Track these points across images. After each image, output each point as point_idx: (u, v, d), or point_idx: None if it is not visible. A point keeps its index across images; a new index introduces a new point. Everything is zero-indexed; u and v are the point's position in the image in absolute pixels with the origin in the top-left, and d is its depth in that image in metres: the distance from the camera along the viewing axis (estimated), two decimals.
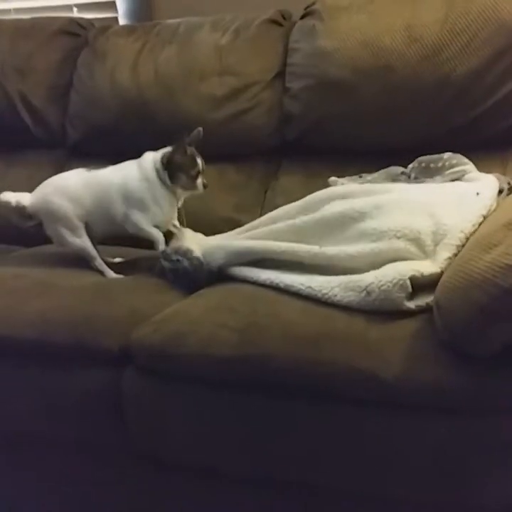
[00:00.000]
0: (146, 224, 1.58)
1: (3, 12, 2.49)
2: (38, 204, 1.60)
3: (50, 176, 1.68)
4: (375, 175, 1.61)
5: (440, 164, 1.55)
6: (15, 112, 2.08)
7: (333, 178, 1.65)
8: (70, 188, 1.60)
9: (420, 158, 1.59)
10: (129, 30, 2.07)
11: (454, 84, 1.64)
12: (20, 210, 1.61)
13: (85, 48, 2.07)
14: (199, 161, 1.57)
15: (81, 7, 2.41)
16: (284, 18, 1.94)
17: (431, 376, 1.03)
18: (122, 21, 2.32)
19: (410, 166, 1.59)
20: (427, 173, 1.56)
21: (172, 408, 1.24)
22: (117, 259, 1.68)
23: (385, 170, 1.62)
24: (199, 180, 1.58)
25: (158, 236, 1.58)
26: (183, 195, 1.62)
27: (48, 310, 1.37)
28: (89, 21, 2.19)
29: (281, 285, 1.31)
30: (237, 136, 1.89)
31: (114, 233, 1.65)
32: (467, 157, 1.66)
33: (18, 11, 2.47)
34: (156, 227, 1.59)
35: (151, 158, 1.59)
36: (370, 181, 1.58)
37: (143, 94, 1.93)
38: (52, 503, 1.48)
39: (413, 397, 1.05)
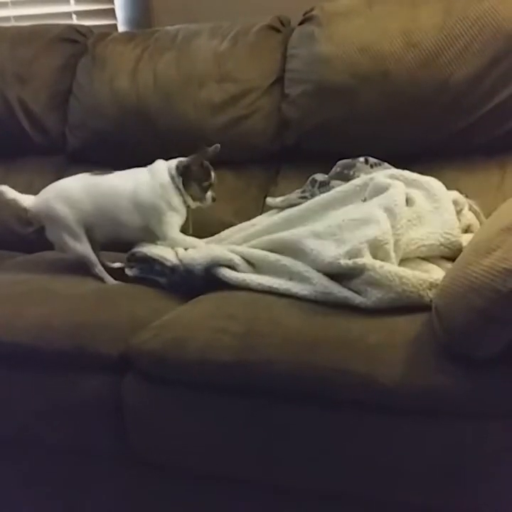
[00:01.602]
0: (171, 230, 1.59)
1: (3, 19, 2.49)
2: (39, 208, 1.60)
3: (50, 183, 1.68)
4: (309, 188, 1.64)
5: (351, 172, 1.58)
6: (14, 118, 2.08)
7: (269, 199, 1.69)
8: (72, 194, 1.60)
9: (339, 162, 1.62)
10: (128, 37, 2.08)
11: (452, 89, 1.65)
12: (21, 211, 1.61)
13: (85, 54, 2.08)
14: (213, 175, 1.61)
15: (80, 14, 2.42)
16: (283, 25, 1.95)
17: (430, 380, 1.04)
18: (121, 28, 2.33)
19: (332, 170, 1.63)
20: (342, 178, 1.59)
21: (172, 413, 1.24)
22: (117, 264, 1.68)
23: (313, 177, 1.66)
24: (209, 194, 1.61)
25: (190, 240, 1.60)
26: (192, 205, 1.63)
27: (48, 316, 1.37)
28: (89, 28, 2.19)
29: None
30: (236, 142, 1.89)
31: (118, 239, 1.65)
32: (466, 162, 1.68)
33: (18, 18, 2.48)
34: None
35: (165, 165, 1.61)
36: (307, 198, 1.61)
37: (142, 100, 1.93)
38: (51, 508, 1.48)
39: (412, 401, 1.05)
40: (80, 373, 1.31)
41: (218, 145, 1.60)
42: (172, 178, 1.58)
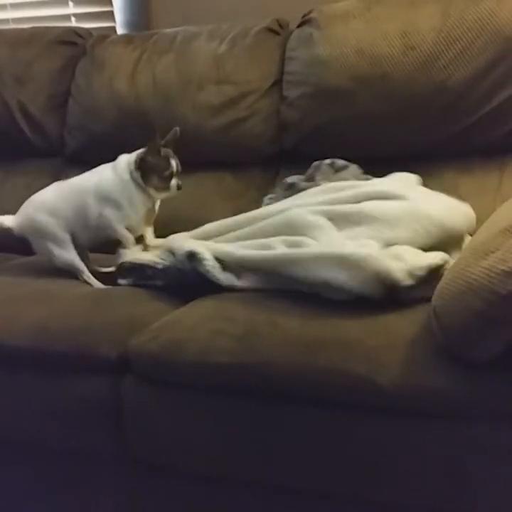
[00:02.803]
0: (118, 223, 1.58)
1: (2, 22, 2.50)
2: (22, 224, 1.62)
3: (48, 185, 1.69)
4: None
5: (317, 176, 1.62)
6: (13, 120, 2.08)
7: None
8: (50, 202, 1.62)
9: (313, 164, 1.66)
10: (127, 39, 2.08)
11: (450, 92, 1.65)
12: (5, 231, 1.63)
13: (83, 57, 2.08)
14: (173, 162, 1.57)
15: (79, 17, 2.42)
16: (281, 27, 1.95)
17: (429, 382, 1.04)
18: (120, 31, 2.33)
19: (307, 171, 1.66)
20: (309, 180, 1.63)
21: (171, 415, 1.24)
22: (109, 269, 1.68)
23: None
24: (173, 182, 1.58)
25: (128, 237, 1.59)
26: (157, 197, 1.62)
27: (47, 318, 1.37)
28: (88, 31, 2.20)
29: None
30: (235, 145, 1.90)
31: (98, 240, 1.66)
32: (464, 164, 1.69)
33: (16, 20, 2.48)
34: (129, 229, 1.60)
35: (125, 160, 1.60)
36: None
37: (141, 102, 1.93)
38: (51, 509, 1.48)
39: (411, 403, 1.05)
40: (79, 375, 1.31)
41: (177, 128, 1.59)
42: (131, 173, 1.57)
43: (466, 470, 1.05)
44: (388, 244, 1.32)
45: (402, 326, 1.15)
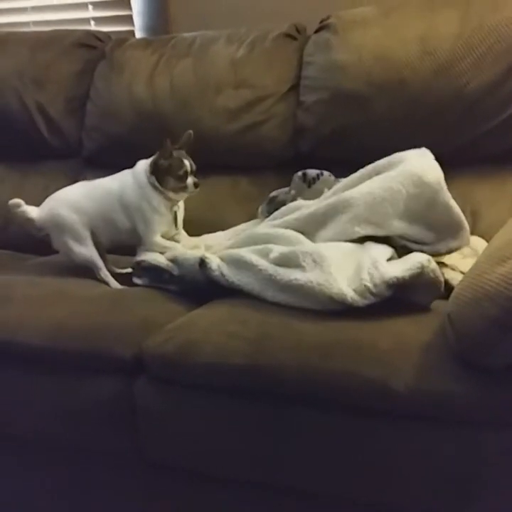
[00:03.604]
0: (153, 236, 1.60)
1: (23, 25, 2.53)
2: (45, 217, 1.64)
3: (66, 186, 1.71)
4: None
5: (291, 190, 1.63)
6: (32, 122, 2.10)
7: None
8: (73, 199, 1.64)
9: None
10: (145, 43, 2.09)
11: (468, 98, 1.65)
12: (29, 222, 1.64)
13: (102, 60, 2.10)
14: (186, 161, 1.59)
15: (99, 20, 2.44)
16: (299, 32, 1.96)
17: (442, 387, 1.03)
18: (139, 35, 2.35)
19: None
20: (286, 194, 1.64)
21: (184, 416, 1.25)
22: (125, 270, 1.70)
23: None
24: (189, 180, 1.60)
25: (174, 246, 1.61)
26: (177, 198, 1.63)
27: (62, 318, 1.38)
28: (107, 34, 2.21)
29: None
30: (251, 148, 1.90)
31: (121, 242, 1.68)
32: (480, 171, 1.68)
33: (37, 23, 2.51)
34: (166, 234, 1.63)
35: (142, 166, 1.63)
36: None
37: (159, 106, 1.95)
38: (62, 508, 1.49)
39: (424, 408, 1.05)
40: (94, 375, 1.32)
41: (191, 131, 1.61)
42: (148, 178, 1.60)
43: (478, 476, 1.05)
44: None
45: (416, 330, 1.15)
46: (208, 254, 1.42)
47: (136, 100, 1.97)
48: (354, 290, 1.20)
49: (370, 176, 1.44)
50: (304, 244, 1.40)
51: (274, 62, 1.90)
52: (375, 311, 1.20)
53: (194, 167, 1.60)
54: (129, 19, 2.37)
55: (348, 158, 1.74)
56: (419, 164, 1.39)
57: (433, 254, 1.31)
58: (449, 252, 1.39)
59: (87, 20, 2.45)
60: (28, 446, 1.46)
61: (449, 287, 1.28)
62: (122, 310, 1.41)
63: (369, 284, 1.19)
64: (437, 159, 1.64)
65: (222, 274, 1.37)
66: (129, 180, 1.62)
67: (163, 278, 1.51)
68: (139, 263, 1.56)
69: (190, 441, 1.25)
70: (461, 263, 1.38)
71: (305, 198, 1.61)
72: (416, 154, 1.43)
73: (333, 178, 1.63)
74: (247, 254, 1.38)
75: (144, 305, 1.43)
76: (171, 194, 1.61)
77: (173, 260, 1.50)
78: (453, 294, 1.10)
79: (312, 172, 1.63)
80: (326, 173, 1.63)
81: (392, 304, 1.21)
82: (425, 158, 1.42)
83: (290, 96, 1.88)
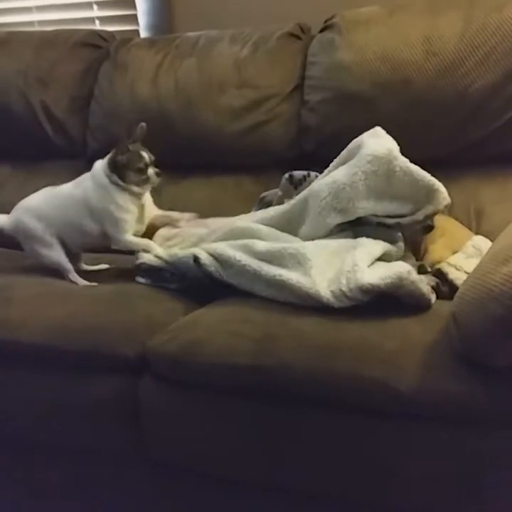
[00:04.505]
0: (125, 235, 1.58)
1: (28, 24, 2.53)
2: (12, 225, 1.65)
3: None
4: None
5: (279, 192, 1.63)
6: (36, 121, 2.11)
7: None
8: (37, 207, 1.63)
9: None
10: (149, 42, 2.10)
11: (472, 98, 1.65)
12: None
13: (107, 59, 2.10)
14: (144, 154, 1.57)
15: (103, 20, 2.44)
16: (303, 32, 1.96)
17: (446, 387, 1.04)
18: (143, 34, 2.35)
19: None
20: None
21: (188, 416, 1.25)
22: (99, 267, 1.72)
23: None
24: (150, 171, 1.58)
25: (148, 243, 1.59)
26: (141, 191, 1.60)
27: (66, 317, 1.38)
28: (111, 34, 2.22)
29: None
30: (255, 148, 1.90)
31: (93, 246, 1.68)
32: (485, 171, 1.68)
33: (41, 23, 2.51)
34: (137, 231, 1.61)
35: (100, 166, 1.60)
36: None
37: (163, 105, 1.95)
38: (66, 508, 1.49)
39: (428, 408, 1.05)
40: (97, 374, 1.32)
41: (143, 124, 1.58)
42: (108, 177, 1.58)
43: (482, 476, 1.05)
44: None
45: (420, 330, 1.15)
46: (198, 250, 1.43)
47: (141, 100, 1.97)
48: (331, 292, 1.24)
49: (336, 167, 1.47)
50: (289, 242, 1.43)
51: (278, 61, 1.90)
52: (380, 311, 1.21)
53: (153, 158, 1.59)
54: (133, 18, 2.37)
55: None
56: (371, 143, 1.41)
57: (413, 224, 1.37)
58: (429, 217, 1.39)
59: (91, 20, 2.45)
60: (30, 445, 1.46)
61: (453, 287, 1.28)
62: (125, 309, 1.41)
63: (345, 289, 1.22)
64: (442, 160, 1.65)
65: (216, 269, 1.39)
66: (90, 185, 1.60)
67: (165, 277, 1.51)
68: (138, 266, 1.56)
69: (193, 441, 1.25)
70: (465, 263, 1.38)
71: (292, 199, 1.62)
72: (368, 135, 1.46)
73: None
74: (230, 250, 1.40)
75: (148, 304, 1.43)
76: (134, 188, 1.58)
77: (168, 261, 1.50)
78: (457, 294, 1.10)
79: (298, 174, 1.64)
80: (313, 174, 1.62)
81: (396, 304, 1.21)
82: (376, 136, 1.45)
83: (294, 96, 1.88)
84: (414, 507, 1.13)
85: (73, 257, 1.65)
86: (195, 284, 1.44)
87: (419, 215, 1.38)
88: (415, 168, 1.38)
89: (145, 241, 1.60)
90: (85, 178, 1.63)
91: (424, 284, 1.24)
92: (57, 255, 1.61)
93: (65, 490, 1.48)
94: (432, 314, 1.22)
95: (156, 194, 1.95)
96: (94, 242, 1.66)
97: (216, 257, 1.41)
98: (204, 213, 1.71)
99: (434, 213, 1.38)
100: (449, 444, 1.05)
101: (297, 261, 1.33)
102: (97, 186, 1.59)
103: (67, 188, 1.65)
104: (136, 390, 1.28)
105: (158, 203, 1.95)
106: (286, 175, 1.64)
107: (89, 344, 1.32)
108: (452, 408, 1.04)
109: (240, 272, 1.37)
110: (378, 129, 1.47)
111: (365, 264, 1.27)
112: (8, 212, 1.67)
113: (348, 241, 1.40)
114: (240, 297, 1.37)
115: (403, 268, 1.22)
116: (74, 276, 1.62)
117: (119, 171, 1.57)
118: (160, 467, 1.34)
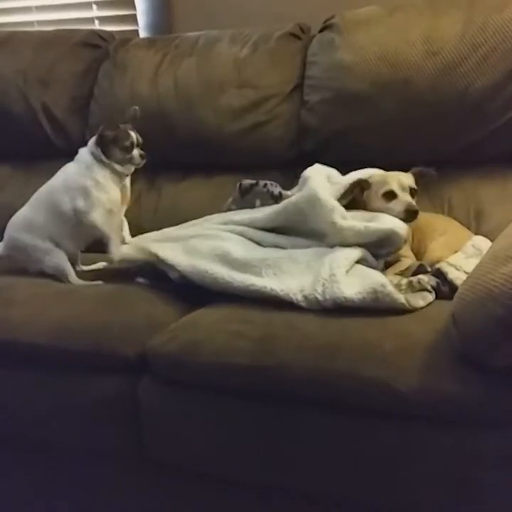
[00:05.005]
0: (93, 210, 1.56)
1: (27, 24, 2.53)
2: (7, 247, 1.65)
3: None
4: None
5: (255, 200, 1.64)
6: (36, 121, 2.10)
7: None
8: (23, 219, 1.64)
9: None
10: (149, 42, 2.10)
11: (472, 98, 1.65)
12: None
13: (106, 59, 2.10)
14: (133, 133, 1.58)
15: (103, 20, 2.44)
16: (303, 32, 1.96)
17: (446, 388, 1.04)
18: (143, 34, 2.35)
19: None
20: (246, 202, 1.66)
21: (188, 416, 1.25)
22: (96, 266, 1.72)
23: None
24: (135, 152, 1.59)
25: (108, 228, 1.58)
26: (124, 171, 1.61)
27: (66, 317, 1.38)
28: (111, 34, 2.21)
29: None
30: (255, 148, 1.90)
31: (84, 243, 1.68)
32: (484, 170, 1.68)
33: (41, 23, 2.51)
34: (110, 212, 1.60)
35: (86, 148, 1.62)
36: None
37: (162, 105, 1.95)
38: (65, 508, 1.49)
39: (428, 408, 1.05)
40: (97, 374, 1.32)
41: (136, 107, 1.60)
42: (92, 153, 1.58)
43: (482, 476, 1.05)
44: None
45: (420, 330, 1.15)
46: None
47: (140, 100, 1.96)
48: (305, 297, 1.28)
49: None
50: (264, 252, 1.46)
51: (278, 61, 1.90)
52: (380, 311, 1.21)
53: (140, 140, 1.60)
54: (133, 18, 2.37)
55: (352, 157, 1.75)
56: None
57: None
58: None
59: (91, 20, 2.45)
60: (31, 445, 1.46)
61: (453, 287, 1.29)
62: (125, 309, 1.41)
63: (320, 298, 1.26)
64: (442, 160, 1.65)
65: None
66: (72, 167, 1.62)
67: (164, 277, 1.51)
68: (138, 266, 1.56)
69: (193, 441, 1.25)
70: (465, 263, 1.38)
71: (238, 207, 1.65)
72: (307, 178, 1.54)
73: (267, 189, 1.63)
74: (201, 262, 1.43)
75: (148, 304, 1.44)
76: (117, 166, 1.59)
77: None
78: (457, 294, 1.10)
79: (246, 182, 1.65)
80: (261, 183, 1.63)
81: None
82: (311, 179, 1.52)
83: (294, 96, 1.88)
84: (414, 507, 1.13)
85: (70, 258, 1.64)
86: (194, 285, 1.45)
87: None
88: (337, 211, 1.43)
89: (110, 228, 1.59)
90: (67, 166, 1.65)
91: (401, 294, 1.23)
92: (58, 258, 1.61)
93: (65, 490, 1.48)
94: (431, 314, 1.22)
95: (157, 194, 1.97)
96: (77, 237, 1.64)
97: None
98: (204, 213, 1.71)
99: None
100: (449, 444, 1.05)
101: (273, 273, 1.37)
102: (78, 164, 1.60)
103: (49, 181, 1.66)
104: (136, 390, 1.28)
105: (159, 203, 1.96)
106: (239, 182, 1.66)
107: (89, 344, 1.32)
108: (452, 408, 1.04)
109: (212, 282, 1.39)
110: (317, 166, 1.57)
111: (343, 270, 1.29)
112: (8, 213, 1.67)
113: (327, 249, 1.42)
114: (239, 297, 1.37)
115: (378, 280, 1.23)
116: (74, 279, 1.61)
117: (104, 146, 1.57)
118: (160, 467, 1.34)
